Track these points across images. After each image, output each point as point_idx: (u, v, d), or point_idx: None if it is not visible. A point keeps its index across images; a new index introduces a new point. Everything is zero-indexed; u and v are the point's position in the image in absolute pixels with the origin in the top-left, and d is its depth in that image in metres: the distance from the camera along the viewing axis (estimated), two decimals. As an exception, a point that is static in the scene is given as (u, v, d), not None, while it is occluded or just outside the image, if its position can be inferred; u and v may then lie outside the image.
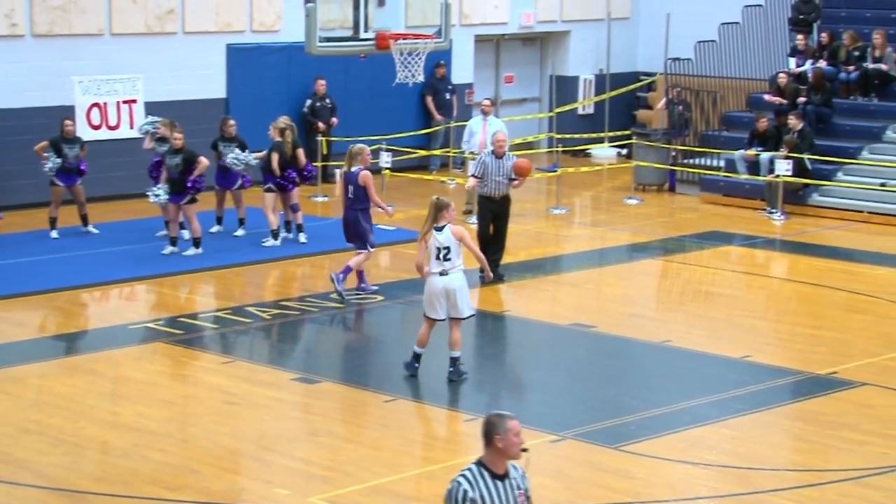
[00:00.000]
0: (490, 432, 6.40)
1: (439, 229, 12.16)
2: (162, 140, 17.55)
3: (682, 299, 16.48)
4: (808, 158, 20.63)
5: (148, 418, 11.40)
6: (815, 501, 9.84)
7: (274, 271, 17.05)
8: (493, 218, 16.19)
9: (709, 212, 21.16)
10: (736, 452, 10.80)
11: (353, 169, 15.23)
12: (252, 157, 17.94)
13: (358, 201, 15.20)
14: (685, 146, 22.92)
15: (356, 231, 15.33)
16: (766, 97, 22.45)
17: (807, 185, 20.78)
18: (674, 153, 22.83)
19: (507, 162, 16.01)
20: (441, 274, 12.15)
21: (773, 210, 20.56)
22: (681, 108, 23.07)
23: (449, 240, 12.16)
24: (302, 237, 18.05)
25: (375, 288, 15.64)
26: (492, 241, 16.16)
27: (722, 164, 22.14)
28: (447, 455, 10.67)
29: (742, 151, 21.46)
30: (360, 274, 15.56)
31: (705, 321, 15.10)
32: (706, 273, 17.56)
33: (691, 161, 22.83)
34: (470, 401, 12.13)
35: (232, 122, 18.45)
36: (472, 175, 16.36)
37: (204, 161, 17.00)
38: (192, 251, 17.09)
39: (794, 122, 20.90)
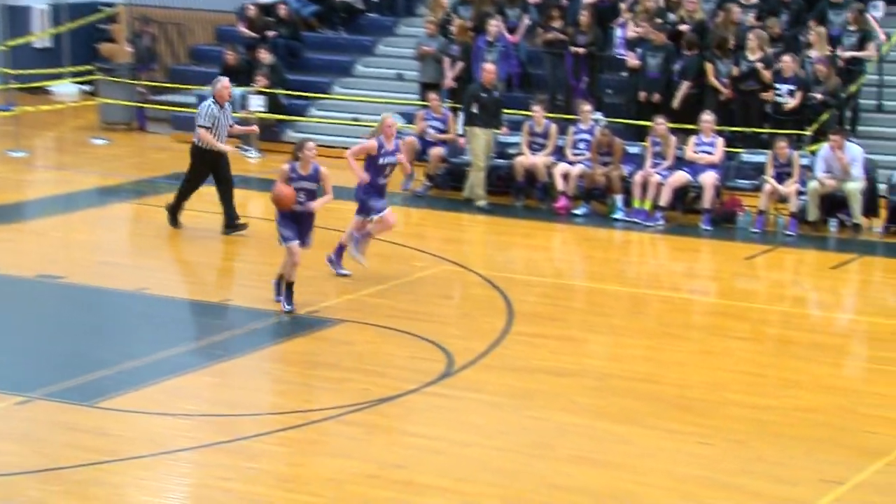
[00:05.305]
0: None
1: None
2: None
3: (157, 244, 16.04)
4: (282, 94, 20.60)
5: None
6: (296, 443, 9.84)
7: None
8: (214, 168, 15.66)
9: (182, 151, 20.48)
10: (217, 400, 10.68)
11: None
12: None
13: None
14: (153, 82, 22.29)
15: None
16: (240, 29, 22.15)
17: (281, 121, 20.76)
18: (142, 90, 22.15)
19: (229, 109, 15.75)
20: None
21: (248, 147, 20.36)
22: (146, 40, 22.39)
23: None
24: None
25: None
26: (227, 193, 15.71)
27: (193, 100, 21.69)
28: None
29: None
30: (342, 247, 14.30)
31: (183, 266, 14.96)
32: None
33: (161, 98, 22.24)
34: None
35: None
36: (202, 126, 15.44)
37: None
38: None
39: (263, 55, 20.78)
